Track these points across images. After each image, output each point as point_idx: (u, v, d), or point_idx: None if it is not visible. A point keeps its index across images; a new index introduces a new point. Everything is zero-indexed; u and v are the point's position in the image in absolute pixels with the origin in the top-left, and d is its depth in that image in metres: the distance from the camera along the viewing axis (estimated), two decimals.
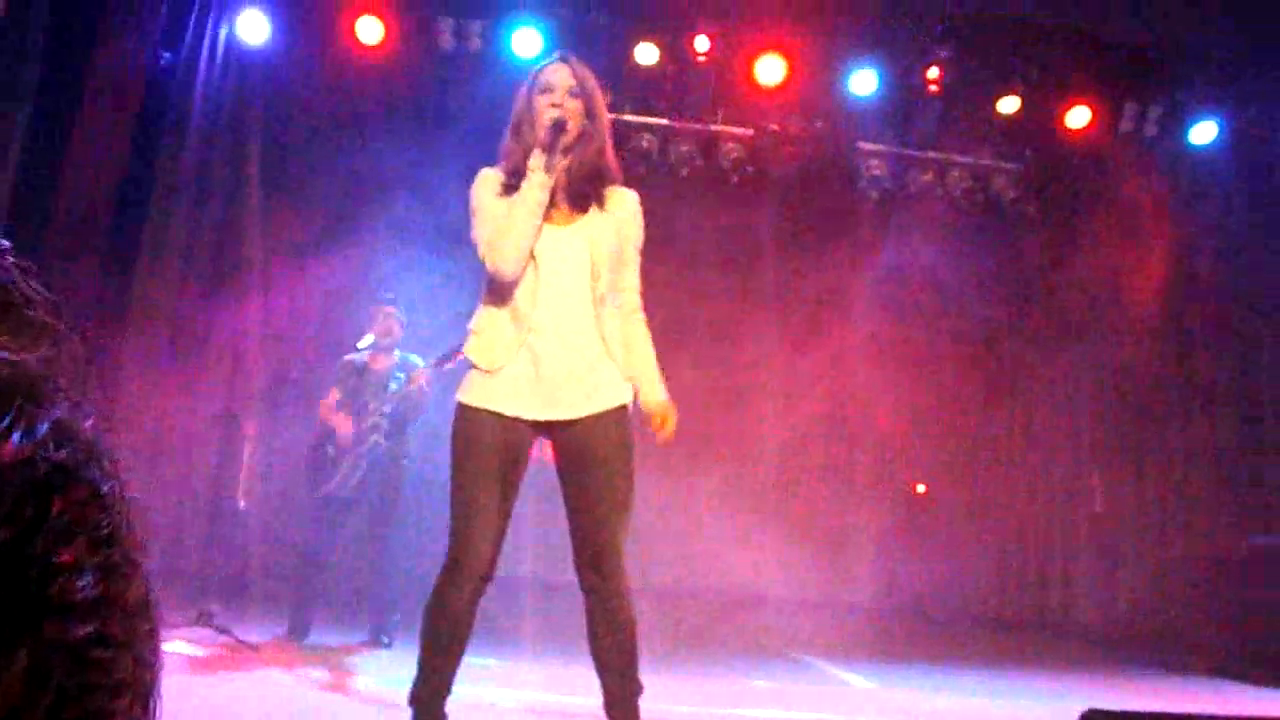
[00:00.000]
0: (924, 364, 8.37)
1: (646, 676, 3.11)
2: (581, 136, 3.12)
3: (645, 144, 8.12)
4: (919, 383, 8.21)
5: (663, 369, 3.27)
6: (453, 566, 3.01)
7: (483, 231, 3.06)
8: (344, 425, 6.05)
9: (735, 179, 8.08)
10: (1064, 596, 8.87)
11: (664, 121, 8.13)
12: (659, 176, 8.10)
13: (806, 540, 8.25)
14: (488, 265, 3.05)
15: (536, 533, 7.52)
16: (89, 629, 0.45)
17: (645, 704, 3.12)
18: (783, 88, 7.85)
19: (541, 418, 3.07)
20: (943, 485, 8.79)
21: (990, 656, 7.84)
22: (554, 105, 3.10)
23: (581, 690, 3.83)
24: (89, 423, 0.48)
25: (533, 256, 3.07)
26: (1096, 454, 8.76)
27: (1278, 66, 8.09)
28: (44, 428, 0.45)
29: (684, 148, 8.10)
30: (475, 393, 3.08)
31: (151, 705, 0.48)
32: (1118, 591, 8.74)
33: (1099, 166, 8.31)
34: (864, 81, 7.93)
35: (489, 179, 3.14)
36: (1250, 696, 6.29)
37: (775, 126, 8.05)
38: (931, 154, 8.26)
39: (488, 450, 3.04)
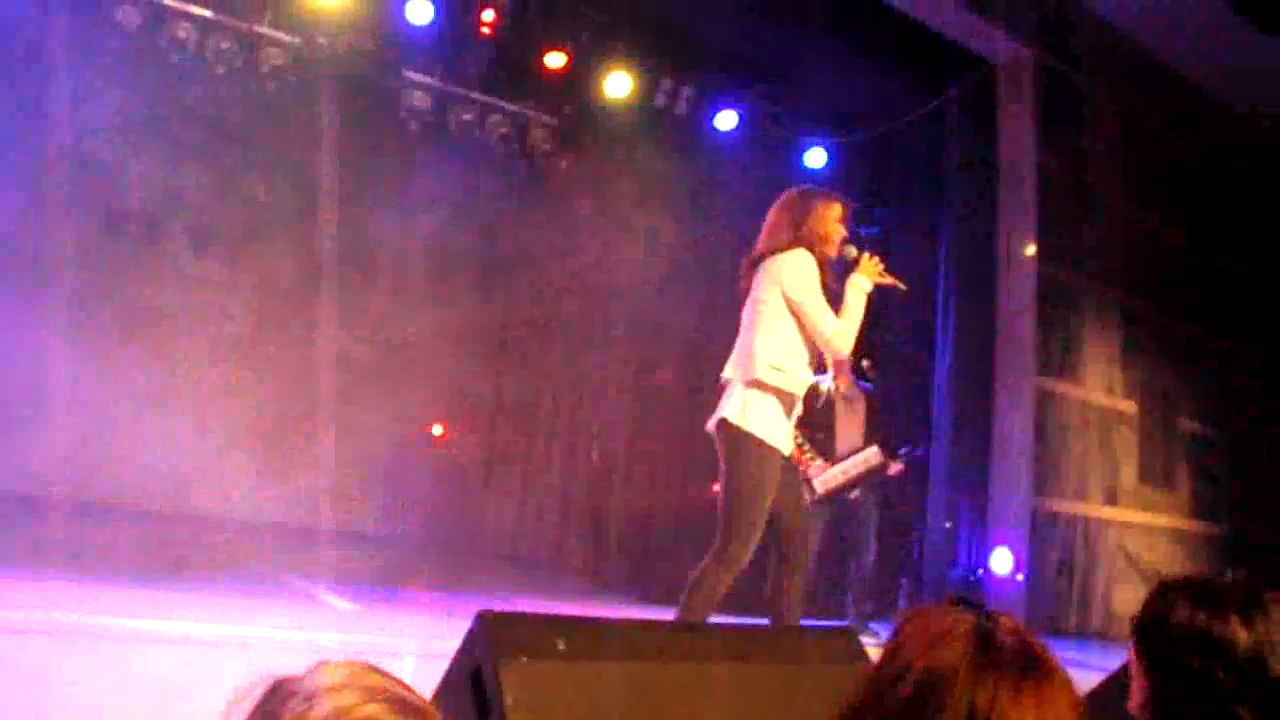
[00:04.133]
0: (441, 303, 8.47)
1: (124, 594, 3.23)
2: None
3: (182, 34, 7.54)
4: (432, 321, 8.30)
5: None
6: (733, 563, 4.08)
7: (830, 321, 4.23)
8: None
9: (272, 86, 7.72)
10: (562, 537, 9.36)
11: (205, 12, 7.60)
12: (193, 71, 7.59)
13: (317, 472, 8.14)
14: (837, 348, 4.29)
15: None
16: None
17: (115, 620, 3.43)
18: (335, 2, 7.61)
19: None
20: (461, 427, 8.97)
21: (479, 585, 8.16)
22: (846, 239, 4.43)
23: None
24: None
25: None
26: (599, 405, 9.33)
27: (793, 67, 8.96)
28: None
29: (224, 44, 7.61)
30: (777, 437, 4.21)
31: None
32: (607, 535, 9.39)
33: (629, 135, 8.77)
34: (419, 10, 7.83)
35: (814, 266, 4.25)
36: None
37: (324, 39, 7.79)
38: (475, 95, 8.33)
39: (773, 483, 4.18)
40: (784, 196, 4.48)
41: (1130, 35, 9.19)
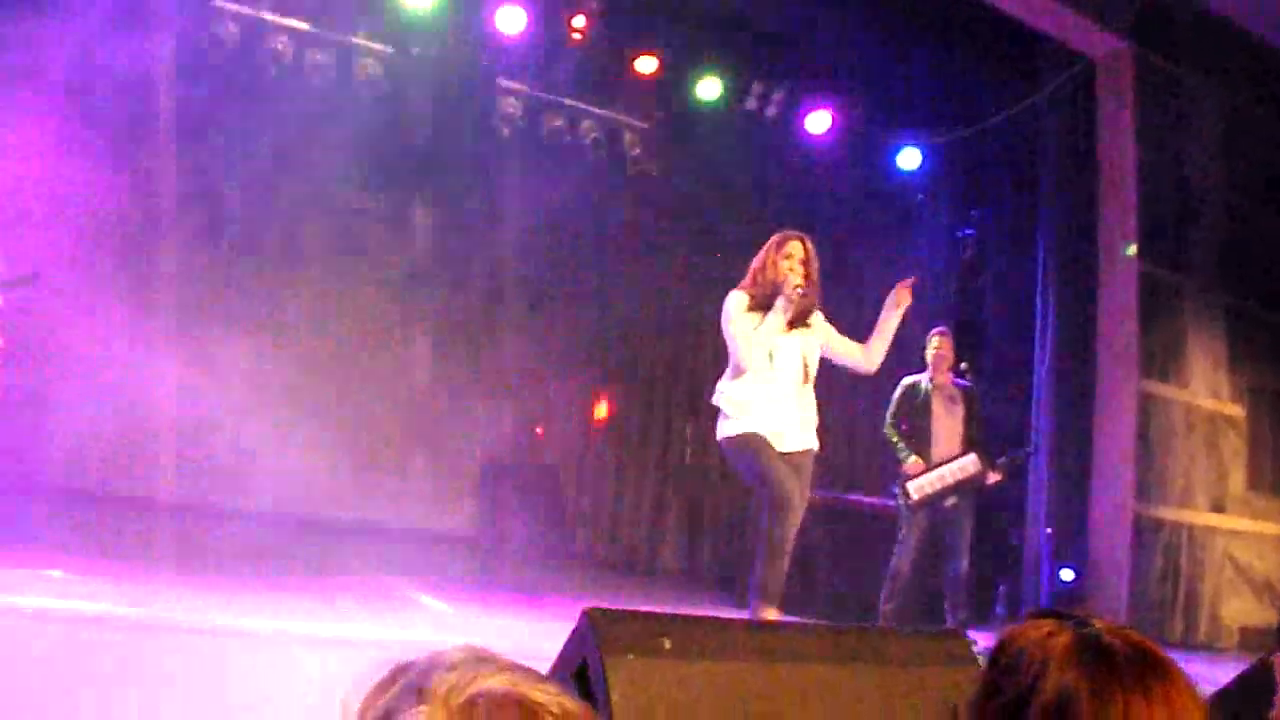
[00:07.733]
0: (535, 306, 8.52)
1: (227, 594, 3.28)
2: (805, 295, 4.92)
3: (279, 47, 7.73)
4: (525, 325, 8.35)
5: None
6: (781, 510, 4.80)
7: (741, 340, 4.90)
8: None
9: (367, 96, 7.86)
10: (652, 542, 9.34)
11: (302, 25, 7.77)
12: (290, 83, 7.75)
13: (415, 475, 8.24)
14: (744, 363, 4.88)
15: None
16: None
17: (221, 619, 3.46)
18: (428, 12, 7.73)
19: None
20: (555, 430, 9.00)
21: (574, 586, 8.18)
22: (793, 270, 4.91)
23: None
24: None
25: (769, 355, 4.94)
26: (693, 408, 9.30)
27: (886, 67, 8.86)
28: None
29: (319, 57, 7.77)
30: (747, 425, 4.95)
31: None
32: (701, 537, 9.38)
33: (719, 139, 8.74)
34: (511, 19, 7.92)
35: (742, 301, 4.97)
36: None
37: (417, 49, 7.91)
38: (566, 101, 8.39)
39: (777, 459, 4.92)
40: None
41: (1234, 23, 8.90)
